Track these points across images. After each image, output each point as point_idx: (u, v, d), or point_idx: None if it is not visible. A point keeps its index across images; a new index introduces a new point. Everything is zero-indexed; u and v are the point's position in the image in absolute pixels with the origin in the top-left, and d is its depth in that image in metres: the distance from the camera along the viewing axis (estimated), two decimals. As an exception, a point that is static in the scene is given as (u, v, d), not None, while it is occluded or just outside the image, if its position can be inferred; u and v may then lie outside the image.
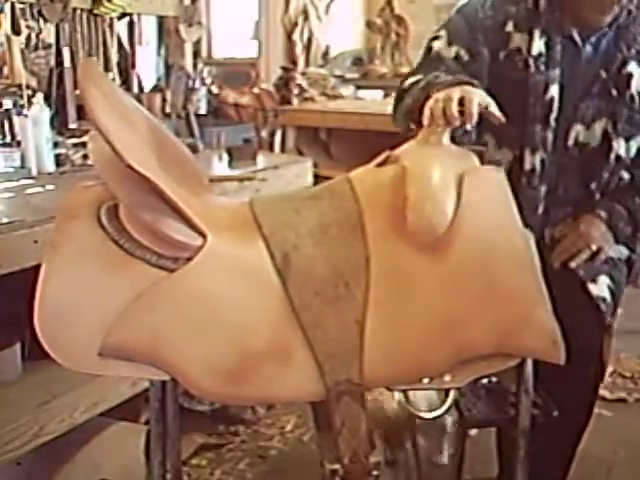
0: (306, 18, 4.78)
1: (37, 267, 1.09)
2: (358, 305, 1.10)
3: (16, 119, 2.50)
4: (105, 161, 1.06)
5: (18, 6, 2.68)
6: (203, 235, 1.10)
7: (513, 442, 1.31)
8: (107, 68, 3.05)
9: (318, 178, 2.66)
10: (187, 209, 1.07)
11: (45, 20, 2.79)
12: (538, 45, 1.68)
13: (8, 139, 2.56)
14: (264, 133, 3.94)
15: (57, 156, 2.38)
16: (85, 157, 2.40)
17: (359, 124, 3.86)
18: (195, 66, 3.60)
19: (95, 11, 2.98)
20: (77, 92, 2.86)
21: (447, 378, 1.11)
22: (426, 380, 1.11)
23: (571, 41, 1.69)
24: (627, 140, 1.71)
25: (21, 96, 2.65)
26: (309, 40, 4.82)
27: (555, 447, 1.67)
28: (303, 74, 4.44)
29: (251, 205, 1.20)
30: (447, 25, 1.77)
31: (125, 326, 1.04)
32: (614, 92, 1.68)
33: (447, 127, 1.30)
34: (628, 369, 2.87)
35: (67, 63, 2.87)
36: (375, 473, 1.09)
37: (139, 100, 2.84)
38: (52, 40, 2.87)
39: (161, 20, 3.51)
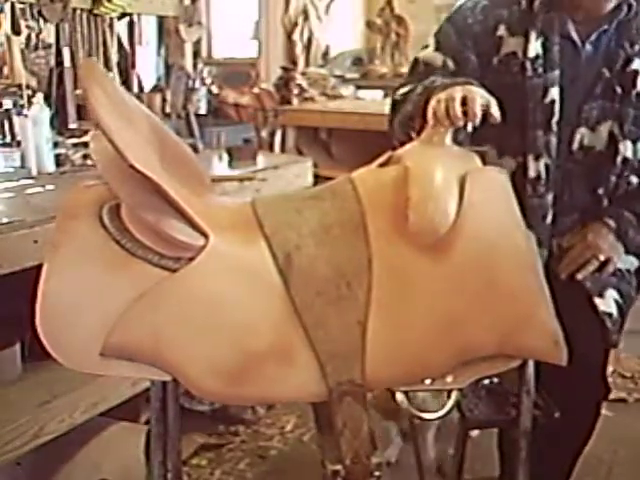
0: (306, 18, 4.78)
1: (37, 267, 1.09)
2: (360, 305, 1.10)
3: (16, 119, 2.50)
4: (107, 161, 1.06)
5: (18, 6, 2.68)
6: (205, 235, 1.10)
7: (514, 443, 1.31)
8: (107, 68, 3.05)
9: (318, 178, 2.66)
10: (189, 209, 1.07)
11: (45, 20, 2.79)
12: (535, 47, 1.62)
13: (8, 139, 2.56)
14: (264, 133, 3.94)
15: (57, 156, 2.38)
16: (85, 157, 2.40)
17: (359, 124, 3.86)
18: (195, 66, 3.60)
19: (95, 11, 2.98)
20: (77, 92, 2.87)
21: (449, 379, 1.11)
22: (428, 381, 1.11)
23: (570, 41, 1.63)
24: (634, 142, 1.64)
25: (21, 96, 2.65)
26: (309, 40, 4.82)
27: (558, 452, 1.65)
28: (303, 74, 4.45)
29: (253, 205, 1.19)
30: (437, 34, 1.73)
31: (127, 326, 1.04)
32: (619, 91, 1.62)
33: (450, 127, 1.29)
34: (628, 369, 2.88)
35: (67, 63, 2.87)
36: (377, 474, 1.09)
37: (139, 100, 2.83)
38: (52, 40, 2.87)
39: (161, 20, 3.51)
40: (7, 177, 2.20)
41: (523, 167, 1.64)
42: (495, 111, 1.32)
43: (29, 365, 1.88)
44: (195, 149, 2.78)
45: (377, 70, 5.07)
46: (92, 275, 1.06)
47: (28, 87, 2.69)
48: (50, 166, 2.31)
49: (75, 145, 2.56)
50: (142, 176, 1.00)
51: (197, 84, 3.41)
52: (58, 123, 2.78)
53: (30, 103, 2.52)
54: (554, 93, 1.62)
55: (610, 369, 2.74)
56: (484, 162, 1.28)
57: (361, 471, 1.08)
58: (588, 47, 1.64)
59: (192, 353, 1.05)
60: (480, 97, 1.32)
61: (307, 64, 4.79)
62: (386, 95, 4.41)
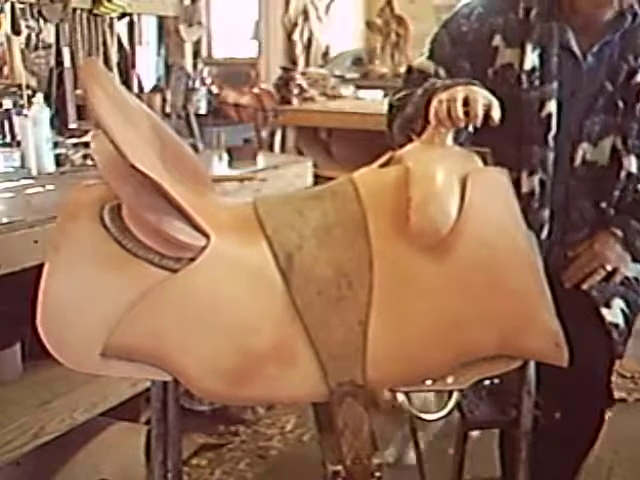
0: (306, 18, 4.78)
1: (37, 267, 1.09)
2: (361, 306, 1.10)
3: (16, 119, 2.50)
4: (108, 160, 1.06)
5: (18, 6, 2.68)
6: (206, 235, 1.10)
7: (515, 443, 1.31)
8: (107, 68, 3.05)
9: (318, 178, 2.67)
10: (191, 210, 1.07)
11: (45, 20, 2.79)
12: (531, 59, 1.55)
13: (8, 139, 2.56)
14: (264, 133, 3.93)
15: (57, 156, 2.38)
16: (85, 157, 2.40)
17: (359, 124, 3.86)
18: (195, 66, 3.60)
19: (95, 11, 2.97)
20: (77, 92, 2.86)
21: (450, 380, 1.11)
22: (429, 382, 1.11)
23: (570, 52, 1.56)
24: (639, 157, 1.59)
25: (21, 96, 2.65)
26: (309, 40, 4.82)
27: (562, 454, 1.64)
28: (303, 74, 4.44)
29: (254, 206, 1.19)
30: (432, 41, 1.68)
31: (128, 326, 1.04)
32: (621, 105, 1.55)
33: (452, 128, 1.29)
34: (628, 369, 2.87)
35: (67, 63, 2.87)
36: (378, 474, 1.09)
37: (139, 100, 2.83)
38: (52, 40, 2.87)
39: (161, 20, 3.51)
40: (7, 177, 2.20)
41: (518, 182, 1.57)
42: (496, 113, 1.31)
43: (29, 365, 1.88)
44: (195, 149, 2.78)
45: (377, 70, 5.07)
46: (93, 275, 1.06)
47: (28, 87, 2.69)
48: (50, 166, 2.31)
49: (75, 145, 2.56)
50: (143, 176, 1.00)
51: (197, 84, 3.41)
52: (58, 123, 2.78)
53: (30, 103, 2.52)
54: (551, 107, 1.55)
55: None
56: (485, 163, 1.28)
57: (362, 472, 1.08)
58: (590, 59, 1.57)
59: (193, 353, 1.05)
60: (482, 97, 1.31)
61: (307, 64, 4.79)
62: (386, 95, 4.40)
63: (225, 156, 2.62)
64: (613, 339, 1.54)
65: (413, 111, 1.47)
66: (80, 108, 2.86)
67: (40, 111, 2.33)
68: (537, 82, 1.56)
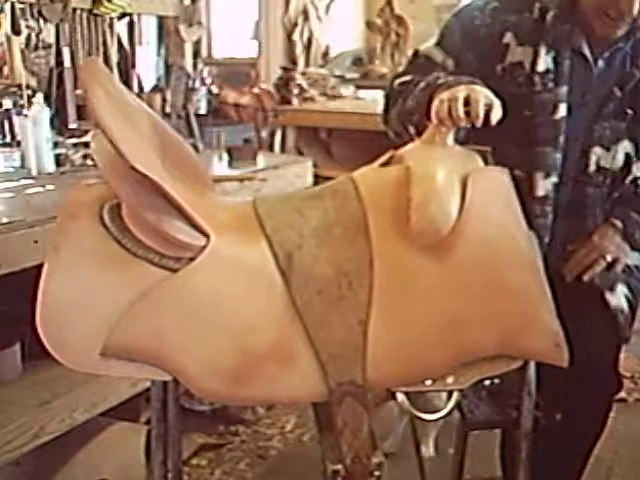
0: (306, 18, 4.78)
1: (37, 267, 1.08)
2: (361, 305, 1.09)
3: (16, 119, 2.50)
4: (107, 160, 1.06)
5: (18, 6, 2.68)
6: (206, 235, 1.09)
7: (515, 444, 1.31)
8: (107, 68, 3.05)
9: (318, 178, 2.66)
10: (190, 209, 1.07)
11: (45, 20, 2.79)
12: (545, 61, 1.56)
13: (8, 139, 2.56)
14: (264, 133, 3.93)
15: (57, 156, 2.38)
16: (85, 157, 2.40)
17: (359, 124, 3.85)
18: (195, 66, 3.60)
19: (95, 11, 2.98)
20: (77, 92, 2.86)
21: (450, 380, 1.11)
22: (429, 382, 1.11)
23: (581, 56, 1.57)
24: None
25: (21, 96, 2.65)
26: (309, 40, 4.83)
27: (567, 453, 1.64)
28: (303, 74, 4.44)
29: (254, 205, 1.19)
30: (443, 28, 1.68)
31: (128, 326, 1.04)
32: (630, 112, 1.57)
33: (453, 128, 1.29)
34: (628, 369, 2.87)
35: (67, 63, 2.88)
36: (377, 474, 1.09)
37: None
38: (52, 40, 2.87)
39: (161, 20, 3.52)
40: (7, 177, 2.20)
41: (527, 182, 1.58)
42: (496, 114, 1.30)
43: (29, 365, 1.88)
44: (195, 149, 2.78)
45: (377, 70, 5.07)
46: (92, 275, 1.06)
47: (28, 87, 2.69)
48: (50, 166, 2.31)
49: (75, 145, 2.56)
50: (142, 176, 1.00)
51: (197, 84, 3.41)
52: (58, 123, 2.78)
53: (30, 103, 2.52)
54: (563, 109, 1.56)
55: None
56: (486, 162, 1.28)
57: (361, 471, 1.08)
58: (600, 64, 1.58)
59: (193, 353, 1.05)
60: (484, 98, 1.30)
61: (307, 64, 4.79)
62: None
63: (225, 156, 2.62)
64: (619, 322, 1.57)
65: (414, 105, 1.47)
66: (80, 108, 2.86)
67: (40, 111, 2.33)
68: (551, 84, 1.56)
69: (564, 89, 1.56)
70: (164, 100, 3.24)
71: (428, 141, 1.30)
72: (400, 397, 1.12)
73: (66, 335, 1.04)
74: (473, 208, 1.15)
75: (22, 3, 2.69)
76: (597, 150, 1.59)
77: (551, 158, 1.58)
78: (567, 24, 1.56)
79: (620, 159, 1.60)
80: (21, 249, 1.66)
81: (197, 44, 3.70)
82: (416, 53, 1.70)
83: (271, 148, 3.98)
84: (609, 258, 1.59)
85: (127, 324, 1.04)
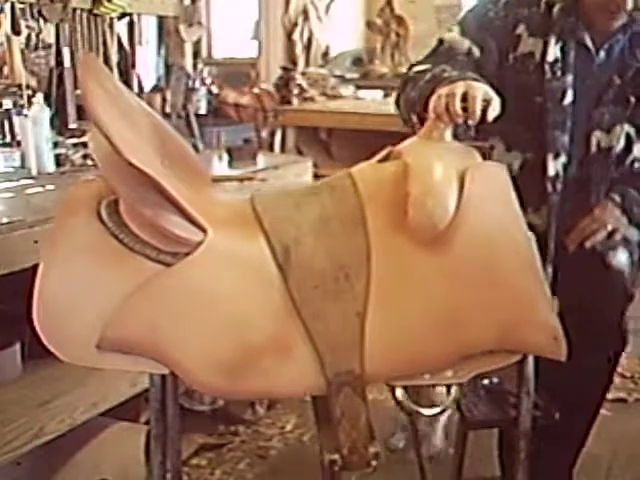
0: (306, 18, 4.78)
1: (37, 267, 1.08)
2: (359, 297, 1.10)
3: (16, 119, 2.50)
4: (105, 156, 1.06)
5: (18, 6, 2.68)
6: (204, 230, 1.10)
7: (514, 444, 1.31)
8: (107, 68, 3.05)
9: (318, 178, 2.65)
10: (187, 205, 1.07)
11: (45, 20, 2.80)
12: (554, 51, 1.67)
13: (8, 139, 2.56)
14: (264, 133, 3.94)
15: (57, 156, 2.38)
16: (85, 157, 2.40)
17: (359, 124, 3.86)
18: (195, 66, 3.60)
19: (95, 11, 2.98)
20: (77, 92, 2.87)
21: (449, 374, 1.11)
22: (427, 376, 1.11)
23: (584, 47, 1.69)
24: None
25: (21, 96, 2.65)
26: (309, 40, 4.82)
27: (561, 447, 1.67)
28: (303, 74, 4.44)
29: (252, 201, 1.20)
30: (460, 22, 1.78)
31: (123, 319, 1.04)
32: (632, 100, 1.68)
33: (450, 123, 1.29)
34: (628, 369, 2.87)
35: (67, 63, 2.88)
36: (374, 463, 1.09)
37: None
38: (52, 40, 2.87)
39: (161, 20, 3.52)
40: (7, 177, 2.20)
41: (539, 163, 1.70)
42: (493, 110, 1.31)
43: (29, 365, 1.88)
44: (195, 149, 2.78)
45: (377, 70, 5.07)
46: (89, 269, 1.06)
47: (28, 87, 2.69)
48: (50, 166, 2.31)
49: (75, 145, 2.56)
50: (139, 172, 1.00)
51: (197, 84, 3.42)
52: (58, 123, 2.78)
53: (30, 103, 2.52)
54: (570, 95, 1.68)
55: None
56: (484, 158, 1.28)
57: (358, 461, 1.08)
58: (601, 54, 1.69)
59: (190, 346, 1.05)
60: (481, 94, 1.31)
61: (307, 64, 4.79)
62: (386, 95, 4.40)
63: (225, 156, 2.62)
64: (623, 280, 1.69)
65: (416, 96, 1.52)
66: (80, 108, 2.86)
67: (40, 111, 2.33)
68: (559, 73, 1.68)
69: (570, 77, 1.68)
70: (164, 100, 3.24)
71: (426, 136, 1.31)
72: (399, 392, 1.12)
73: (63, 329, 1.04)
74: (471, 203, 1.15)
75: (22, 3, 2.70)
76: (597, 133, 1.70)
77: (560, 140, 1.69)
78: (572, 17, 1.68)
79: (621, 141, 1.71)
80: (21, 249, 1.66)
81: (197, 44, 3.70)
82: (441, 41, 1.77)
83: (271, 148, 3.98)
84: (609, 227, 1.67)
85: (123, 317, 1.04)
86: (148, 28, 3.49)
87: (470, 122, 1.30)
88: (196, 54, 3.68)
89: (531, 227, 1.60)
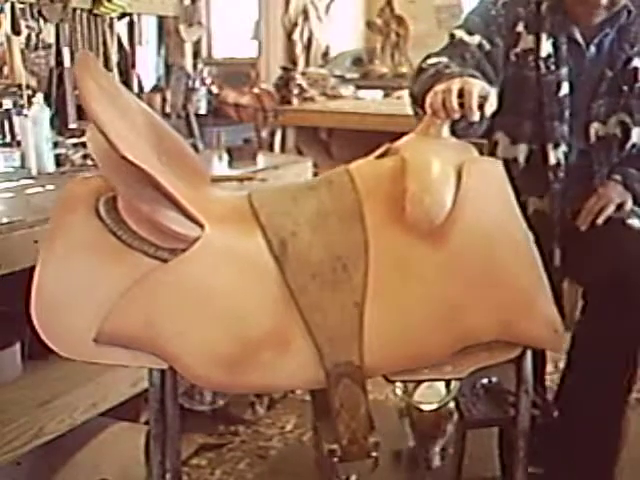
0: (306, 18, 4.78)
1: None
2: (357, 288, 1.10)
3: (16, 119, 2.50)
4: (103, 153, 1.06)
5: (18, 6, 2.68)
6: (201, 226, 1.10)
7: (513, 443, 1.31)
8: (107, 68, 3.05)
9: (318, 178, 2.66)
10: (184, 201, 1.07)
11: (45, 20, 2.79)
12: (546, 47, 1.76)
13: (8, 139, 2.56)
14: (264, 133, 3.93)
15: (57, 156, 2.38)
16: (85, 157, 2.40)
17: (359, 124, 3.85)
18: (195, 66, 3.60)
19: (95, 11, 2.98)
20: (77, 92, 2.86)
21: (448, 369, 1.11)
22: (427, 370, 1.11)
23: (575, 42, 1.77)
24: None
25: (21, 96, 2.65)
26: (309, 40, 4.82)
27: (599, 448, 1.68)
28: (303, 74, 4.44)
29: (249, 197, 1.20)
30: (464, 24, 1.83)
31: (120, 314, 1.04)
32: (625, 88, 1.76)
33: (447, 119, 1.30)
34: None
35: (67, 63, 2.87)
36: (374, 454, 1.09)
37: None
38: (52, 40, 2.87)
39: (161, 20, 3.51)
40: (7, 177, 2.20)
41: (541, 153, 1.78)
42: (490, 105, 1.32)
43: (29, 365, 1.88)
44: (195, 149, 2.78)
45: (377, 70, 5.07)
46: (87, 265, 1.06)
47: (28, 87, 2.69)
48: (50, 166, 2.31)
49: (75, 145, 2.55)
50: (135, 168, 1.01)
51: (197, 84, 3.41)
52: (58, 123, 2.78)
53: (30, 103, 2.52)
54: (566, 87, 1.76)
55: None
56: (481, 154, 1.29)
57: (357, 451, 1.08)
58: (592, 49, 1.78)
59: (189, 342, 1.05)
60: (478, 90, 1.31)
61: (307, 64, 4.79)
62: (386, 95, 4.40)
63: (225, 156, 2.62)
64: None
65: (418, 90, 1.54)
66: (80, 108, 2.86)
67: (40, 111, 2.33)
68: (553, 67, 1.76)
69: (564, 70, 1.76)
70: (164, 100, 3.24)
71: (423, 132, 1.31)
72: (398, 390, 1.12)
73: (61, 324, 1.04)
74: (468, 199, 1.16)
75: (22, 3, 2.69)
76: (595, 125, 1.79)
77: (559, 131, 1.76)
78: (559, 14, 1.76)
79: (617, 128, 1.79)
80: (21, 249, 1.66)
81: (197, 44, 3.70)
82: (453, 35, 1.83)
83: (271, 148, 3.98)
84: (617, 201, 1.73)
85: (119, 312, 1.04)
86: (148, 28, 3.48)
87: (474, 119, 1.30)
88: (196, 54, 3.68)
89: (537, 212, 1.74)
